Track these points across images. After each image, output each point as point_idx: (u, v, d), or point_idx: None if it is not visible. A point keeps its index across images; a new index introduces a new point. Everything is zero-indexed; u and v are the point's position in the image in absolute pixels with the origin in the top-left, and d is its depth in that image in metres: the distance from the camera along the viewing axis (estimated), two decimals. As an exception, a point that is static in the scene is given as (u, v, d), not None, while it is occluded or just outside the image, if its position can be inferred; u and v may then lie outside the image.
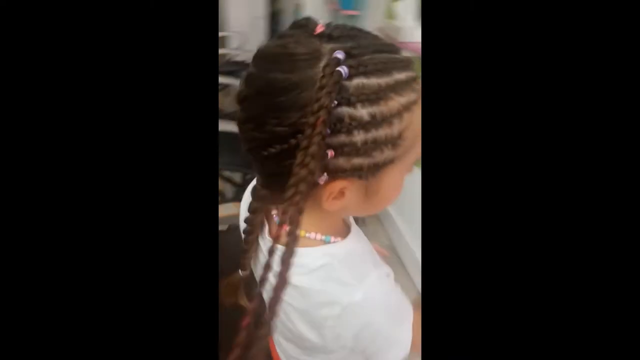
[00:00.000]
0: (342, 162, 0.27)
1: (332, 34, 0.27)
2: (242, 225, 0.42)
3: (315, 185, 0.28)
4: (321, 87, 0.24)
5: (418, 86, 0.29)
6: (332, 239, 0.35)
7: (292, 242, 0.28)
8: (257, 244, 0.40)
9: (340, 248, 0.35)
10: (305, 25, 0.28)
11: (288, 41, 0.27)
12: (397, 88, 0.27)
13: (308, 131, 0.25)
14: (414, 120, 0.28)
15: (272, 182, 0.32)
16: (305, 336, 0.37)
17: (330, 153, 0.26)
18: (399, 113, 0.27)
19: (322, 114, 0.24)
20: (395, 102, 0.27)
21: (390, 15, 1.44)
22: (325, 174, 0.28)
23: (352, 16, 2.07)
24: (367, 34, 0.29)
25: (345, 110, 0.25)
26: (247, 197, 0.44)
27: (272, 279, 0.30)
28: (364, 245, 0.38)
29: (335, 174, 0.28)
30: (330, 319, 0.33)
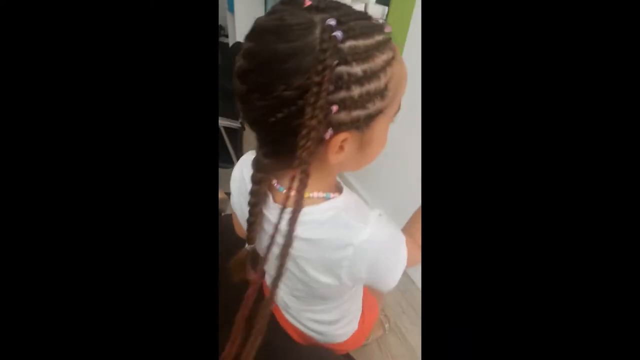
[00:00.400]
0: (343, 115, 0.31)
1: (319, 6, 0.31)
2: (234, 205, 0.47)
3: (321, 141, 0.32)
4: (323, 50, 0.28)
5: (392, 45, 0.33)
6: (331, 195, 0.40)
7: (300, 199, 0.33)
8: (262, 214, 0.42)
9: (341, 201, 0.40)
10: (293, 0, 0.31)
11: (283, 14, 0.30)
12: (379, 47, 0.31)
13: (315, 89, 0.28)
14: (394, 74, 0.33)
15: (278, 148, 0.36)
16: (322, 281, 0.42)
17: (335, 108, 0.30)
18: (383, 68, 0.32)
19: (327, 73, 0.28)
20: (380, 59, 0.31)
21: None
22: (330, 128, 0.32)
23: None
24: (345, 5, 0.33)
25: (343, 68, 0.29)
26: (237, 176, 0.48)
27: (280, 241, 0.35)
28: (356, 197, 0.43)
29: (338, 127, 0.32)
30: (346, 259, 0.38)
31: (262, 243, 0.46)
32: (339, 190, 0.42)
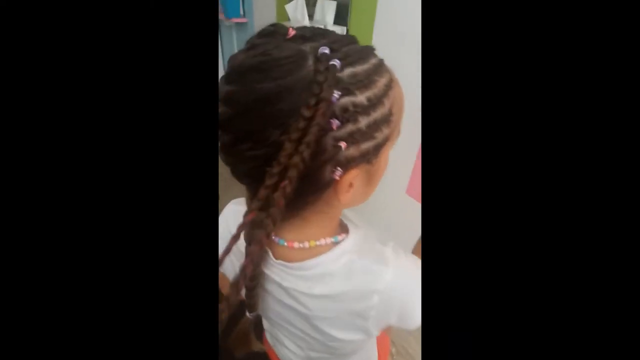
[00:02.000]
0: (352, 151, 0.28)
1: (305, 35, 0.27)
2: (224, 265, 0.40)
3: (329, 183, 0.29)
4: (318, 82, 0.24)
5: (387, 66, 0.31)
6: (339, 237, 0.36)
7: (253, 248, 0.29)
8: (263, 275, 0.37)
9: (351, 242, 0.36)
10: (274, 31, 0.28)
11: (267, 48, 0.26)
12: (377, 71, 0.29)
13: (301, 124, 0.25)
14: (395, 96, 0.31)
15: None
16: (346, 339, 0.37)
17: (343, 145, 0.27)
18: (385, 92, 0.29)
19: (322, 106, 0.24)
20: (381, 83, 0.29)
21: (284, 17, 1.53)
22: (338, 168, 0.28)
23: (240, 24, 2.09)
24: (331, 30, 0.30)
25: (347, 99, 0.26)
26: (223, 233, 0.42)
27: (290, 302, 0.32)
28: (363, 231, 0.39)
29: (348, 164, 0.28)
30: (372, 309, 0.34)
31: (267, 308, 0.40)
32: (344, 229, 0.38)
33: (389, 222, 1.35)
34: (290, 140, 0.25)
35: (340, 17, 1.27)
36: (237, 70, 0.26)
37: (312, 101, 0.24)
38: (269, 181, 0.26)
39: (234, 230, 0.36)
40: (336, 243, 0.35)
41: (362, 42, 0.30)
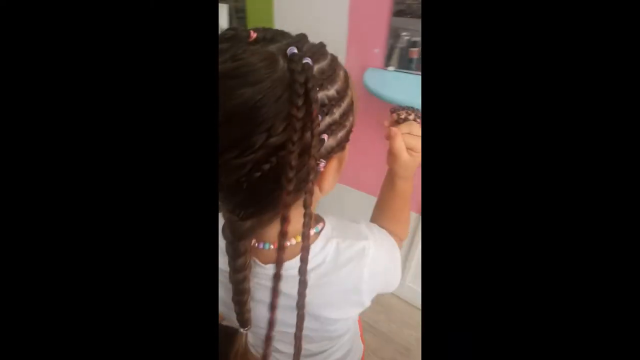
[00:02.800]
0: (331, 141, 0.30)
1: (266, 37, 0.28)
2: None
3: (316, 176, 0.30)
4: (301, 83, 0.25)
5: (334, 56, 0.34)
6: (319, 227, 0.38)
7: (307, 243, 0.30)
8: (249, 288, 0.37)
9: (329, 228, 0.38)
10: (235, 35, 0.27)
11: (236, 53, 0.26)
12: (335, 64, 0.31)
13: (298, 124, 0.25)
14: (350, 83, 0.33)
15: (265, 203, 0.31)
16: (342, 318, 0.40)
17: (325, 137, 0.28)
18: (346, 82, 0.31)
19: (315, 105, 0.26)
20: (341, 74, 0.31)
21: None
22: (322, 160, 0.30)
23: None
24: (284, 31, 0.31)
25: (322, 94, 0.28)
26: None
27: (287, 303, 0.32)
28: (333, 217, 0.42)
29: (328, 155, 0.30)
30: (364, 282, 0.37)
31: (258, 318, 0.39)
32: (318, 219, 0.39)
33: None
34: (292, 142, 0.25)
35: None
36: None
37: (299, 101, 0.25)
38: (290, 186, 0.26)
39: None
40: (318, 233, 0.37)
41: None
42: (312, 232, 0.36)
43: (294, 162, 0.25)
